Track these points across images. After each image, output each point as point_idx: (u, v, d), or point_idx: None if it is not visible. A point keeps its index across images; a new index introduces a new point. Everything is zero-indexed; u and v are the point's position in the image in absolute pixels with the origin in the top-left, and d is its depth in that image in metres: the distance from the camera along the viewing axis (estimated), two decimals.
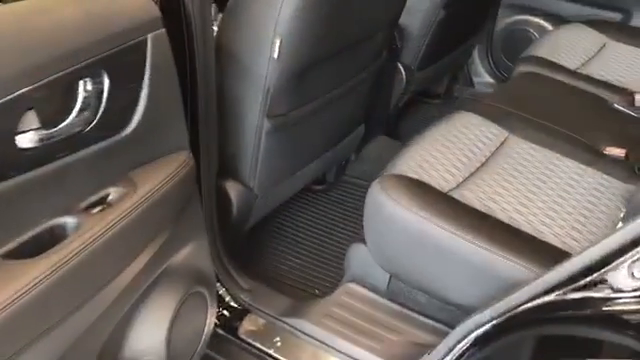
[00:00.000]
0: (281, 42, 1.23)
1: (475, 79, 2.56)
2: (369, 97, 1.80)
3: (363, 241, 1.35)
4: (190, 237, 1.17)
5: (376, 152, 2.07)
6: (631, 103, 1.66)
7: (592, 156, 1.43)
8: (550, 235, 1.20)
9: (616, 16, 2.17)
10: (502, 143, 1.46)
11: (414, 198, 1.23)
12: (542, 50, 1.94)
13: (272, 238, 1.74)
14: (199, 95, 1.17)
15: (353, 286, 1.42)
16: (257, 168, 1.42)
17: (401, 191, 1.25)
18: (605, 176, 1.37)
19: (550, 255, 1.12)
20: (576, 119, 1.57)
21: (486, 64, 2.52)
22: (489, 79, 2.54)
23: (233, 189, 1.42)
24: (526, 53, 1.96)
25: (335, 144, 1.72)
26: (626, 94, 1.69)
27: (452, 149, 1.40)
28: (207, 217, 1.29)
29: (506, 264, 1.12)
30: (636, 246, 0.76)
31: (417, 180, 1.29)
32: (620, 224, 1.22)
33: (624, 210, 1.29)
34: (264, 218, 1.63)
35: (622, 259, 0.78)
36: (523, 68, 1.85)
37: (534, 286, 0.86)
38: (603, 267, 0.79)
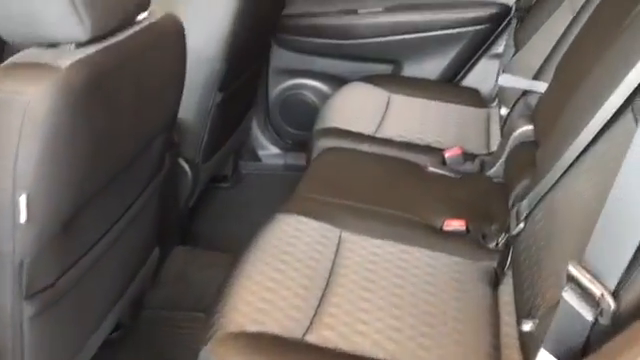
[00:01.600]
0: (28, 198, 0.83)
1: (260, 152, 2.34)
2: (159, 213, 1.44)
3: None
4: None
5: (176, 270, 1.70)
6: (442, 162, 1.56)
7: (435, 237, 1.27)
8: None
9: (387, 68, 2.13)
10: (338, 245, 1.22)
11: None
12: (333, 117, 1.78)
13: None
14: None
15: None
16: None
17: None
18: (457, 259, 1.21)
19: None
20: (401, 194, 1.41)
21: (268, 135, 2.32)
22: (275, 150, 2.34)
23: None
24: (320, 124, 1.78)
25: (126, 287, 1.33)
26: (434, 153, 1.59)
27: (288, 272, 1.12)
28: None
29: None
30: None
31: (260, 334, 0.98)
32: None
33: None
34: None
35: None
36: (322, 143, 1.65)
37: None
38: None
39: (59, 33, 0.88)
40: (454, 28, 2.00)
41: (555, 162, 1.07)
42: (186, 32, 1.55)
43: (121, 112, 1.00)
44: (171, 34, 1.13)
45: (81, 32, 0.88)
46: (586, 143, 1.02)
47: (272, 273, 1.11)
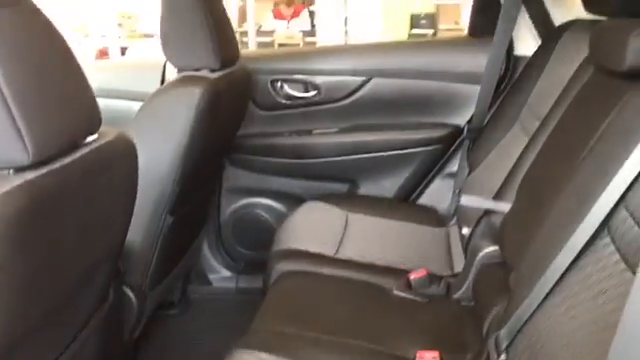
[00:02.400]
0: None
1: (211, 276, 2.21)
2: (101, 348, 1.29)
3: None
4: None
5: None
6: (408, 285, 1.48)
7: None
8: None
9: (343, 187, 2.10)
10: None
11: None
12: (291, 239, 1.70)
13: None
14: None
15: None
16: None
17: None
18: None
19: None
20: (367, 323, 1.32)
21: (219, 257, 2.20)
22: (226, 272, 2.22)
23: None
24: (277, 245, 1.69)
25: None
26: (398, 275, 1.51)
27: None
28: None
29: None
30: None
31: None
32: None
33: None
34: None
35: None
36: (281, 266, 1.56)
37: None
38: None
39: None
40: (408, 148, 2.01)
41: (532, 289, 1.02)
42: (140, 152, 1.50)
43: (62, 241, 0.89)
44: (122, 156, 1.06)
45: (22, 157, 0.80)
46: (564, 268, 0.97)
47: None
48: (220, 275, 2.21)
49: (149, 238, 1.54)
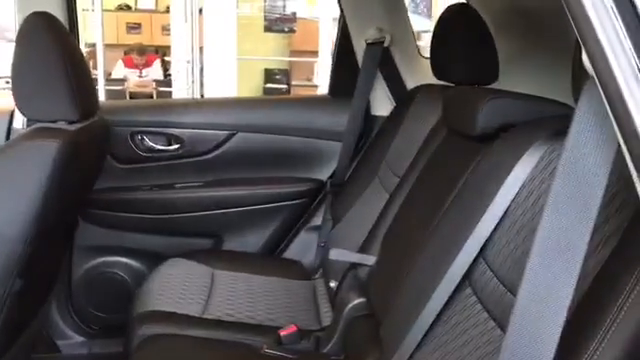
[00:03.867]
0: None
1: (59, 342, 2.02)
2: None
3: None
4: None
5: None
6: (278, 341, 1.47)
7: None
8: None
9: (207, 243, 2.05)
10: None
11: None
12: (154, 300, 1.61)
13: None
14: None
15: None
16: None
17: None
18: None
19: None
20: None
21: (70, 321, 2.03)
22: (77, 338, 2.04)
23: None
24: (139, 307, 1.60)
25: None
26: (268, 333, 1.50)
27: None
28: None
29: None
30: None
31: None
32: None
33: None
34: None
35: None
36: (144, 331, 1.47)
37: None
38: None
39: None
40: (273, 202, 2.03)
41: (403, 341, 1.06)
42: None
43: None
44: None
45: None
46: (431, 320, 1.03)
47: None
48: (71, 341, 2.03)
49: None
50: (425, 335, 1.03)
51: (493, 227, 0.97)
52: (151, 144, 2.00)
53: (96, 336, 2.05)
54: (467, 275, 1.00)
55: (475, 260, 0.99)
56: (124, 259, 2.04)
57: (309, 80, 7.08)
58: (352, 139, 1.99)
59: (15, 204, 1.33)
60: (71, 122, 1.49)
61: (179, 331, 1.46)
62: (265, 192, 2.04)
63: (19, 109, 1.45)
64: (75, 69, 1.47)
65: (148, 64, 6.82)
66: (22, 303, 1.47)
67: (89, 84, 1.60)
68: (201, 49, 6.07)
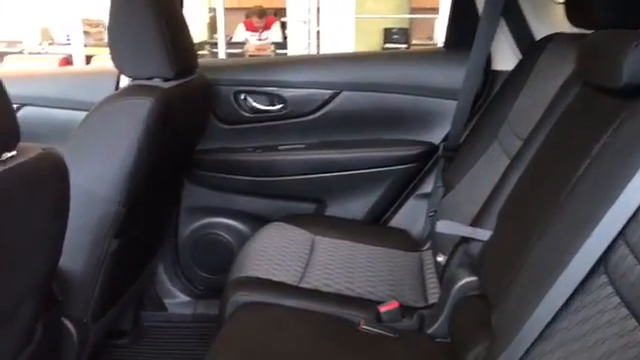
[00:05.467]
0: None
1: (166, 301, 2.05)
2: None
3: None
4: None
5: None
6: (378, 318, 1.35)
7: None
8: None
9: (310, 207, 1.96)
10: None
11: None
12: (251, 265, 1.55)
13: None
14: None
15: None
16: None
17: None
18: None
19: None
20: None
21: (177, 281, 2.04)
22: (184, 297, 2.05)
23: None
24: (235, 272, 1.54)
25: None
26: (368, 308, 1.38)
27: None
28: None
29: None
30: None
31: None
32: None
33: None
34: None
35: None
36: (238, 297, 1.41)
37: None
38: None
39: None
40: (380, 167, 1.89)
41: (519, 331, 0.89)
42: (78, 169, 1.34)
43: None
44: (47, 176, 0.91)
45: None
46: (555, 310, 0.85)
47: None
48: (177, 300, 2.05)
49: (91, 265, 1.38)
50: (546, 328, 0.86)
51: (639, 203, 0.77)
52: (254, 104, 1.93)
53: (201, 296, 2.05)
54: (602, 260, 0.81)
55: (614, 242, 0.79)
56: (228, 221, 2.01)
57: (430, 39, 6.75)
58: (469, 97, 1.78)
59: (106, 164, 1.31)
60: (166, 79, 1.44)
61: (273, 300, 1.38)
62: (372, 155, 1.90)
63: (116, 66, 1.43)
64: (171, 27, 1.42)
65: (267, 27, 6.84)
66: (121, 263, 1.47)
67: (186, 42, 1.54)
68: (318, 10, 5.96)
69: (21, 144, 0.88)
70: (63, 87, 1.94)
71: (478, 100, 1.83)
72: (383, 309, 1.35)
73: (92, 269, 1.38)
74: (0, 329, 0.92)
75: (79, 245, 1.35)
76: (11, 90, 2.05)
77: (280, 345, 1.22)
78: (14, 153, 0.85)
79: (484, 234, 1.30)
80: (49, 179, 0.92)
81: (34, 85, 1.94)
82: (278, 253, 1.62)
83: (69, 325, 1.41)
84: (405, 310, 1.38)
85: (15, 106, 1.87)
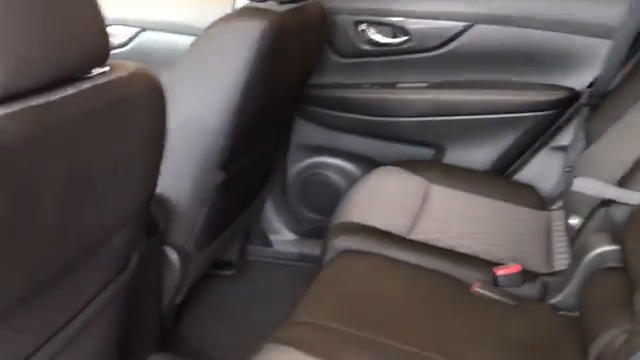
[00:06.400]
0: None
1: (272, 237, 2.01)
2: (122, 317, 1.12)
3: None
4: None
5: None
6: (494, 281, 1.21)
7: None
8: None
9: (429, 152, 1.81)
10: None
11: None
12: (357, 210, 1.46)
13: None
14: None
15: None
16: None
17: None
18: None
19: None
20: (435, 326, 1.06)
21: (283, 218, 2.00)
22: (290, 235, 2.01)
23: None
24: (340, 216, 1.45)
25: None
26: (483, 269, 1.24)
27: None
28: None
29: None
30: None
31: None
32: None
33: None
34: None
35: None
36: (340, 243, 1.32)
37: None
38: None
39: None
40: (511, 113, 1.68)
41: None
42: (185, 97, 1.29)
43: (43, 197, 0.70)
44: (141, 96, 0.85)
45: None
46: None
47: None
48: (283, 238, 2.01)
49: (196, 195, 1.34)
50: None
51: None
52: (374, 36, 1.77)
53: (308, 236, 2.00)
54: None
55: None
56: (338, 161, 1.91)
57: None
58: (627, 37, 1.51)
59: (213, 93, 1.24)
60: (281, 2, 1.33)
61: (377, 249, 1.28)
62: (502, 99, 1.69)
63: None
64: None
65: None
66: (226, 195, 1.43)
67: None
68: None
69: (113, 61, 0.81)
70: (183, 12, 1.90)
71: (637, 41, 1.55)
72: (501, 272, 1.20)
73: (196, 199, 1.35)
74: (92, 255, 0.89)
75: (184, 174, 1.31)
76: (131, 14, 2.04)
77: (379, 299, 1.12)
78: (105, 70, 0.79)
79: (632, 197, 1.10)
80: (142, 100, 0.85)
81: (154, 10, 1.91)
82: (387, 200, 1.51)
83: (171, 253, 1.40)
84: (527, 275, 1.22)
85: (134, 30, 1.90)
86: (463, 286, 1.19)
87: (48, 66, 0.68)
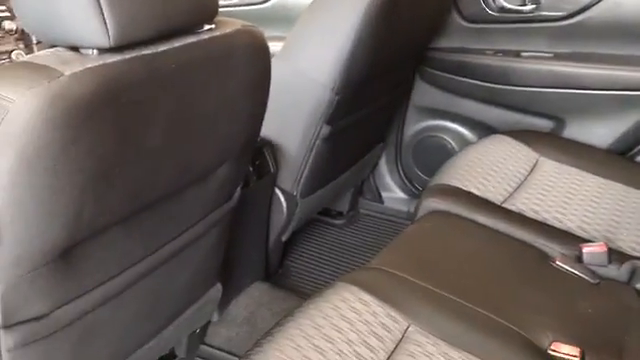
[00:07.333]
0: None
1: (384, 194, 2.10)
2: (222, 245, 1.28)
3: None
4: None
5: (247, 310, 1.54)
6: (578, 257, 1.20)
7: None
8: None
9: (547, 124, 1.77)
10: (399, 342, 0.95)
11: None
12: (457, 173, 1.49)
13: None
14: None
15: None
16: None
17: None
18: None
19: None
20: (508, 291, 1.09)
21: (396, 177, 2.07)
22: (401, 194, 2.08)
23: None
24: (439, 178, 1.50)
25: (163, 326, 1.18)
26: (570, 243, 1.23)
27: (328, 353, 0.89)
28: None
29: None
30: None
31: None
32: None
33: None
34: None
35: None
36: (431, 203, 1.37)
37: None
38: None
39: (79, 36, 0.75)
40: (637, 90, 1.59)
41: None
42: (299, 54, 1.40)
43: (150, 133, 0.84)
44: (244, 51, 0.96)
45: (103, 38, 0.74)
46: None
47: (317, 342, 0.89)
48: (394, 195, 2.09)
49: (302, 145, 1.46)
50: None
51: None
52: (503, 2, 1.74)
53: (418, 197, 2.05)
54: None
55: None
56: (455, 125, 1.93)
57: None
58: None
59: (325, 50, 1.33)
60: None
61: (467, 214, 1.32)
62: (629, 75, 1.59)
63: None
64: None
65: None
66: (332, 148, 1.53)
67: None
68: None
69: (222, 18, 0.93)
70: None
71: None
72: (587, 249, 1.19)
73: (303, 149, 1.47)
74: (196, 185, 1.04)
75: (293, 125, 1.43)
76: None
77: (454, 258, 1.17)
78: (212, 26, 0.91)
79: None
80: (245, 54, 0.97)
81: None
82: (491, 167, 1.52)
83: (280, 196, 1.54)
84: (615, 256, 1.20)
85: None
86: (545, 258, 1.20)
87: (156, 21, 0.81)
